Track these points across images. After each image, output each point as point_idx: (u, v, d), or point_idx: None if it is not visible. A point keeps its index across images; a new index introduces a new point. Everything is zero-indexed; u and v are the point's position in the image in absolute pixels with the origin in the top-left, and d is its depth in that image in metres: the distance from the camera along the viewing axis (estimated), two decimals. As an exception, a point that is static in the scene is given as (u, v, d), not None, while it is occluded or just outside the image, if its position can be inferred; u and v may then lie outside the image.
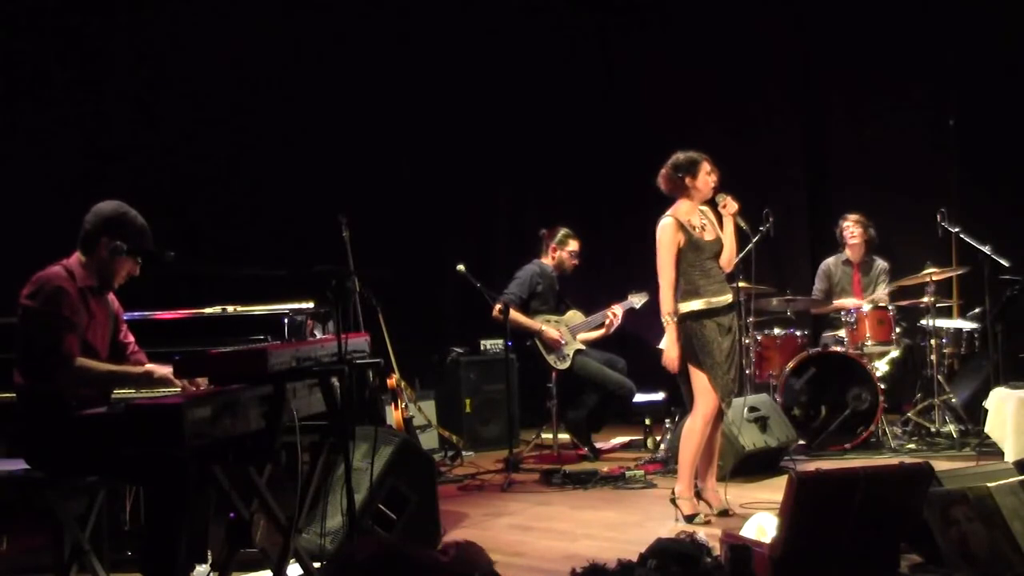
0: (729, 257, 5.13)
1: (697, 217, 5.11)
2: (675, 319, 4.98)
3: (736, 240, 5.14)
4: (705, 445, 5.06)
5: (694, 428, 5.00)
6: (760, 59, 8.80)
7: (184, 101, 6.78)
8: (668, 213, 5.08)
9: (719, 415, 5.07)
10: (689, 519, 4.94)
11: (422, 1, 8.06)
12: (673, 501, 5.02)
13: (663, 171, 5.13)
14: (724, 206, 5.05)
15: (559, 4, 8.83)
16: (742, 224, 5.13)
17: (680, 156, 5.10)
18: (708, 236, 5.08)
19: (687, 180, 5.05)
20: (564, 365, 6.73)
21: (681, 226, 5.01)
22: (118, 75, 6.52)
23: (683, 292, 5.03)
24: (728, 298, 5.08)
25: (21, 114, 6.08)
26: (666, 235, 5.01)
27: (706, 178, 5.05)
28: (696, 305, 4.99)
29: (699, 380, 4.99)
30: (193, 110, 6.80)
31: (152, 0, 6.71)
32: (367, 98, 7.68)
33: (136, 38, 6.59)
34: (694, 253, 5.00)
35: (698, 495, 5.11)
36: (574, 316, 6.94)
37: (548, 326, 6.73)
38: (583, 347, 6.82)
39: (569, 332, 6.82)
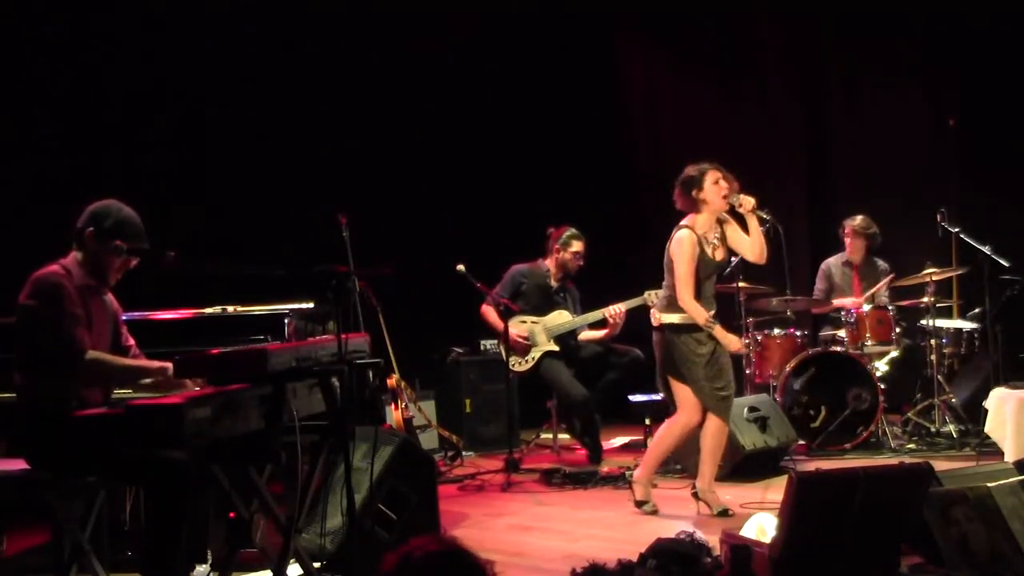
0: (759, 251, 5.11)
1: (713, 232, 5.10)
2: (714, 322, 5.01)
3: (763, 233, 5.12)
4: (709, 447, 5.13)
5: (671, 432, 5.17)
6: (760, 59, 8.80)
7: (183, 100, 6.78)
8: (685, 224, 5.07)
9: (722, 422, 5.12)
10: (638, 504, 5.16)
11: (423, 1, 8.06)
12: (695, 495, 5.15)
13: (676, 188, 5.12)
14: (740, 206, 5.03)
15: (560, 4, 8.82)
16: (764, 215, 5.12)
17: (689, 170, 5.09)
18: (718, 256, 5.10)
19: (695, 193, 5.04)
20: (523, 367, 6.62)
21: (698, 240, 5.03)
22: (116, 73, 6.52)
23: (667, 302, 5.11)
24: (732, 347, 5.11)
25: (17, 113, 6.07)
26: (685, 248, 4.99)
27: (713, 187, 5.01)
28: (673, 318, 5.06)
29: (680, 391, 5.10)
30: (192, 109, 6.80)
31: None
32: (368, 97, 7.68)
33: (135, 35, 6.58)
34: (700, 268, 5.03)
35: (697, 496, 5.16)
36: (557, 317, 6.74)
37: (516, 326, 6.61)
38: (556, 349, 6.66)
39: (544, 333, 6.71)
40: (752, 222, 5.07)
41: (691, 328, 5.03)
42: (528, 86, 8.54)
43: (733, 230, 5.15)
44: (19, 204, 5.88)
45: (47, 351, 3.50)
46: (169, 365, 3.56)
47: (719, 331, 5.01)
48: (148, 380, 3.66)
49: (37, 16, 6.20)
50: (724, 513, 5.04)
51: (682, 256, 4.99)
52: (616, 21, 9.09)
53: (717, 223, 5.12)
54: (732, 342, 5.07)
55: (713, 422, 5.10)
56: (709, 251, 5.05)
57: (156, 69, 6.68)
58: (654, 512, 5.11)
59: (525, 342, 6.59)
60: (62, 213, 3.89)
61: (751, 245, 5.08)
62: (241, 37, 6.95)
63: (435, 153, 8.09)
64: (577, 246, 6.83)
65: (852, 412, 6.55)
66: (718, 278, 5.26)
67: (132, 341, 3.90)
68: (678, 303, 5.02)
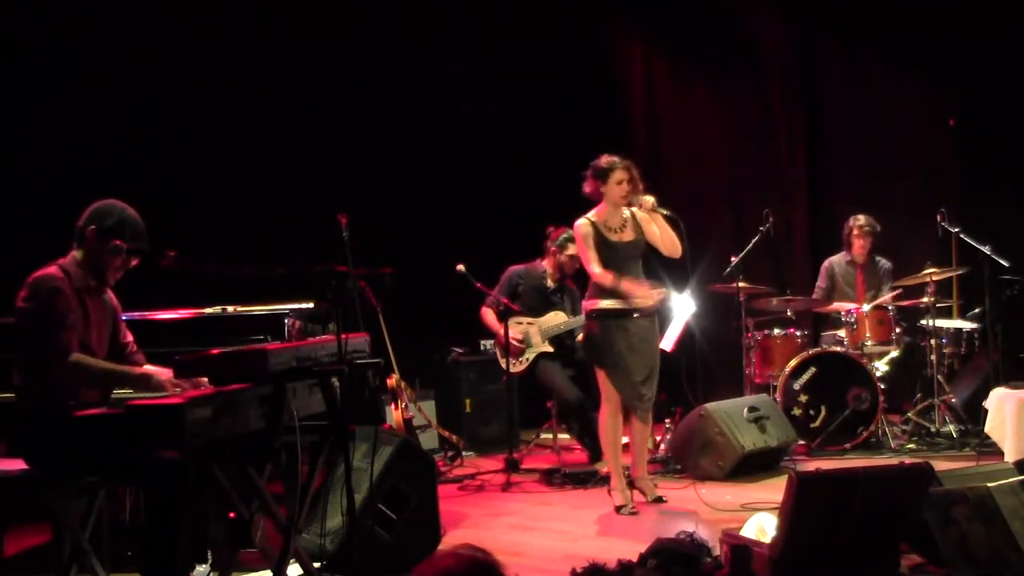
0: (671, 246, 5.24)
1: (616, 219, 5.26)
2: (619, 280, 5.12)
3: (672, 228, 5.25)
4: (632, 438, 5.31)
5: (603, 422, 5.27)
6: (760, 58, 8.80)
7: (183, 100, 6.78)
8: (585, 215, 5.26)
9: (641, 424, 5.29)
10: (618, 509, 5.17)
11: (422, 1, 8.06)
12: (630, 483, 5.28)
13: (588, 172, 5.29)
14: (640, 206, 5.20)
15: (560, 4, 8.82)
16: (666, 212, 5.23)
17: (601, 161, 5.27)
18: (626, 237, 5.24)
19: (599, 186, 5.25)
20: (517, 368, 6.56)
21: (594, 226, 5.19)
22: (116, 74, 6.51)
23: (594, 289, 5.22)
24: (645, 303, 5.20)
25: (20, 114, 6.08)
26: (579, 234, 5.24)
27: (615, 187, 5.21)
28: (605, 303, 5.17)
29: (601, 377, 5.24)
30: (192, 109, 6.80)
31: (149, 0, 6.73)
32: (368, 96, 7.67)
33: (134, 38, 6.58)
34: (608, 253, 5.17)
35: (631, 484, 5.30)
36: (553, 318, 6.67)
37: (511, 327, 6.53)
38: (550, 350, 6.60)
39: (539, 334, 6.64)
40: (657, 220, 5.23)
41: (620, 314, 5.15)
42: (527, 86, 8.53)
43: (648, 225, 5.28)
44: (19, 204, 5.87)
45: (36, 353, 3.52)
46: (152, 372, 3.60)
47: (627, 285, 5.10)
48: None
49: (41, 17, 6.20)
50: (658, 500, 5.29)
51: (578, 242, 5.25)
52: (615, 21, 9.09)
53: (627, 211, 5.27)
54: (645, 296, 5.14)
55: (635, 421, 5.28)
56: (611, 236, 5.20)
57: (156, 69, 6.68)
58: (634, 513, 5.13)
59: (519, 344, 6.57)
60: (64, 212, 3.89)
61: (660, 241, 5.24)
62: (241, 36, 6.95)
63: (435, 153, 8.08)
64: (574, 248, 6.80)
65: (852, 412, 6.55)
66: (645, 265, 5.36)
67: (130, 338, 3.91)
68: (604, 290, 5.15)
